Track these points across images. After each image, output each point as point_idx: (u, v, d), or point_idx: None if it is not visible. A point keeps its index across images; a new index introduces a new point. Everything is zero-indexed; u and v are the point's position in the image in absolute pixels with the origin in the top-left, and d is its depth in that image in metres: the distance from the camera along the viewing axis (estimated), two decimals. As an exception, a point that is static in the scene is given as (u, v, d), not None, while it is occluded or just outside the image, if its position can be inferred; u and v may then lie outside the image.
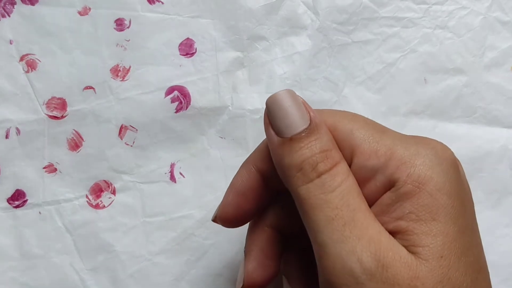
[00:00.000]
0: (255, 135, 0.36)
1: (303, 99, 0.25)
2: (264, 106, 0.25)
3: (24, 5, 0.38)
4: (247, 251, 0.29)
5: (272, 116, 0.25)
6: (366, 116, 0.27)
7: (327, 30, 0.38)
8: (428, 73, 0.38)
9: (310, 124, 0.24)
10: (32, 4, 0.38)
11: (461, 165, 0.26)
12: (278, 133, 0.25)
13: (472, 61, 0.38)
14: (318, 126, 0.24)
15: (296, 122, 0.24)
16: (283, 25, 0.38)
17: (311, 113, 0.25)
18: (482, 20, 0.38)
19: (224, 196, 0.28)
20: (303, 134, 0.24)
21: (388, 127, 0.26)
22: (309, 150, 0.24)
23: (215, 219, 0.29)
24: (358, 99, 0.38)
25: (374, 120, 0.26)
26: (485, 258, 0.25)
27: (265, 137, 0.26)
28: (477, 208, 0.26)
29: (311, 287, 0.29)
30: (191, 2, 0.38)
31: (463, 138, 0.37)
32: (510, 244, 0.36)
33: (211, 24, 0.38)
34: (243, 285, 0.28)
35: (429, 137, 0.26)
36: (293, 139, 0.24)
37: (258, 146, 0.28)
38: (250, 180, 0.28)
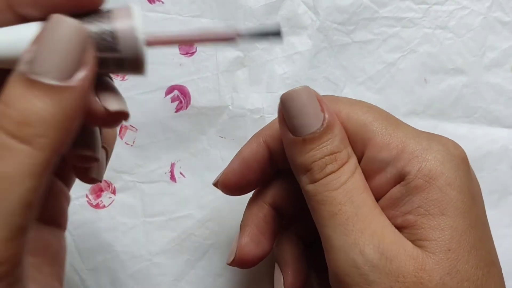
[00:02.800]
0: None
1: (318, 96, 0.25)
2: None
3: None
4: (242, 225, 0.29)
5: (286, 114, 0.25)
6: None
7: (328, 30, 0.38)
8: (428, 73, 0.38)
9: (323, 125, 0.24)
10: (32, 3, 0.38)
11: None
12: (291, 130, 0.25)
13: (472, 61, 0.38)
14: (331, 127, 0.24)
15: (309, 122, 0.24)
16: (283, 25, 0.38)
17: (326, 113, 0.24)
18: (482, 20, 0.38)
19: (230, 162, 0.29)
20: (316, 135, 0.24)
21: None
22: (320, 152, 0.24)
23: (216, 184, 0.29)
24: (358, 99, 0.38)
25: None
26: (496, 253, 0.25)
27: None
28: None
29: (302, 276, 0.29)
30: (192, 2, 0.38)
31: (463, 138, 0.37)
32: (510, 244, 0.36)
33: (211, 24, 0.38)
34: (233, 259, 0.28)
35: None
36: (305, 140, 0.24)
37: (271, 122, 0.29)
38: (258, 153, 0.28)
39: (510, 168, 0.37)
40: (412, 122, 0.38)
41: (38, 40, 0.18)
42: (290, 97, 0.25)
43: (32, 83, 0.17)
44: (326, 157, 0.24)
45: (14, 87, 0.17)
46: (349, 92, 0.38)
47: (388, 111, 0.38)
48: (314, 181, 0.24)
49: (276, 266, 0.30)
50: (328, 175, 0.24)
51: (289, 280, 0.29)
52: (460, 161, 0.24)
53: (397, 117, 0.37)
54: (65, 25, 0.18)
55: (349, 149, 0.25)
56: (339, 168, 0.24)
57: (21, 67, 0.17)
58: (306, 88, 0.25)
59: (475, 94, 0.38)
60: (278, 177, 0.29)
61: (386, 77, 0.38)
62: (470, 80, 0.38)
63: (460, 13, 0.38)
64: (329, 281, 0.25)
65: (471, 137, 0.37)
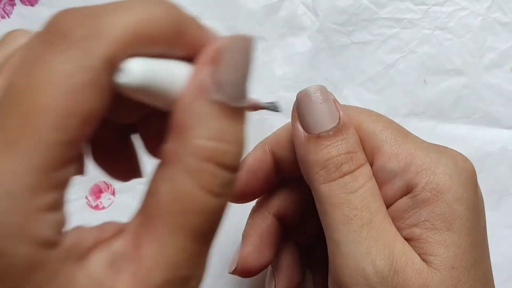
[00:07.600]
0: (255, 136, 0.36)
1: (334, 97, 0.25)
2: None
3: (23, 6, 0.38)
4: (245, 235, 0.29)
5: (301, 111, 0.25)
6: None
7: (327, 31, 0.38)
8: (427, 74, 0.38)
9: (338, 123, 0.24)
10: (32, 5, 0.38)
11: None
12: (305, 128, 0.24)
13: (471, 62, 0.38)
14: (346, 127, 0.24)
15: (325, 119, 0.24)
16: (282, 26, 0.38)
17: (341, 113, 0.24)
18: (481, 21, 0.38)
19: None
20: (330, 133, 0.24)
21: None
22: (335, 150, 0.24)
23: None
24: (358, 100, 0.38)
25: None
26: (492, 273, 0.25)
27: (276, 128, 0.27)
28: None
29: (295, 282, 0.29)
30: (191, 3, 0.38)
31: (462, 139, 0.37)
32: (510, 245, 0.36)
33: (210, 25, 0.38)
34: (235, 268, 0.28)
35: (429, 139, 0.26)
36: (320, 136, 0.24)
37: (276, 130, 0.28)
38: (263, 161, 0.28)
39: (510, 169, 0.37)
40: (412, 123, 0.38)
41: (224, 62, 0.16)
42: (306, 94, 0.25)
43: (231, 110, 0.16)
44: (342, 156, 0.24)
45: (216, 119, 0.16)
46: (348, 93, 0.38)
47: (387, 112, 0.38)
48: (329, 180, 0.24)
49: (270, 269, 0.30)
50: (344, 175, 0.23)
51: (281, 285, 0.29)
52: (469, 176, 0.24)
53: (397, 118, 0.37)
54: (245, 43, 0.16)
55: (364, 154, 0.25)
56: (355, 170, 0.24)
57: (215, 96, 0.16)
58: (323, 87, 0.25)
59: (474, 95, 0.38)
60: (283, 186, 0.29)
61: (386, 78, 0.38)
62: (470, 81, 0.38)
63: (459, 13, 0.38)
64: (325, 283, 0.24)
65: (470, 138, 0.37)
